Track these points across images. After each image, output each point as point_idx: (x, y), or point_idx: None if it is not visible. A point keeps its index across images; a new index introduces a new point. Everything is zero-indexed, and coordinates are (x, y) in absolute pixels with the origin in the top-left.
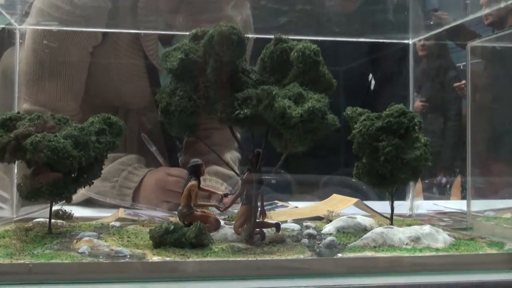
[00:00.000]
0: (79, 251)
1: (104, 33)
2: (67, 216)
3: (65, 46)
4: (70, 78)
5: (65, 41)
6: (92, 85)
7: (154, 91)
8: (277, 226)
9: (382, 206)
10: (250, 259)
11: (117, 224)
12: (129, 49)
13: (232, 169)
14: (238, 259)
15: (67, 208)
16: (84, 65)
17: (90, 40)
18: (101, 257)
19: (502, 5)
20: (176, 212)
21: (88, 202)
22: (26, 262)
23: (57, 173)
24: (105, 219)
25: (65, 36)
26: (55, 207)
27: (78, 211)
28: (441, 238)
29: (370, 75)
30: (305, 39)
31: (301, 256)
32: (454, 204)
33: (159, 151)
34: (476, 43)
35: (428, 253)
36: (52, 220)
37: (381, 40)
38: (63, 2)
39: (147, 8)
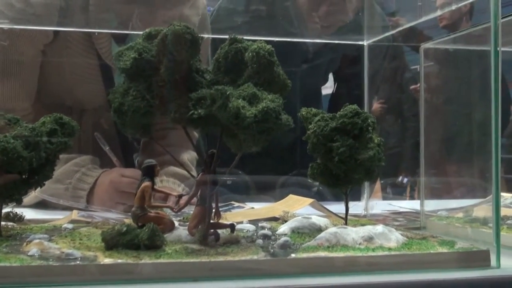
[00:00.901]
0: (28, 253)
1: (56, 31)
2: (18, 219)
3: (15, 45)
4: (21, 77)
5: (16, 39)
6: (45, 84)
7: (108, 91)
8: (231, 227)
9: (338, 207)
10: (203, 260)
11: (70, 226)
12: (81, 47)
13: (187, 171)
14: (191, 260)
15: (19, 210)
16: (36, 64)
17: (41, 38)
18: (51, 260)
19: (454, 7)
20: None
21: (40, 205)
22: None
23: (12, 175)
24: (58, 221)
25: (16, 34)
26: (6, 209)
27: (30, 214)
28: (394, 238)
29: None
30: (260, 40)
31: (255, 257)
32: (409, 204)
33: (113, 152)
34: (429, 45)
35: (381, 253)
36: (2, 223)
37: (336, 41)
38: (16, 0)
39: (99, 5)
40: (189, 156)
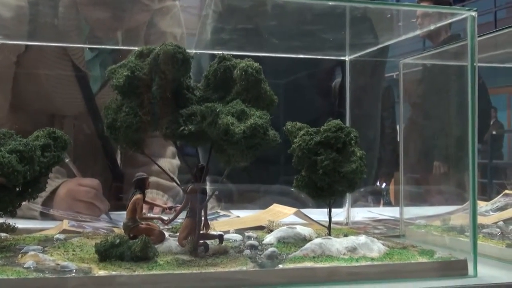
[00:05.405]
0: (24, 266)
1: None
2: (11, 229)
3: None
4: None
5: None
6: (23, 93)
7: (86, 97)
8: (220, 238)
9: (320, 214)
10: (194, 271)
11: (62, 236)
12: (55, 55)
13: (175, 180)
14: (183, 271)
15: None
16: (8, 75)
17: (13, 49)
18: (47, 272)
19: (432, 27)
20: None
21: None
22: None
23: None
24: (49, 231)
25: None
26: None
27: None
28: (376, 248)
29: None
30: (247, 56)
31: (244, 268)
32: (387, 211)
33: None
34: (408, 60)
35: (364, 263)
36: None
37: (320, 57)
38: None
39: (67, 14)
40: (169, 165)
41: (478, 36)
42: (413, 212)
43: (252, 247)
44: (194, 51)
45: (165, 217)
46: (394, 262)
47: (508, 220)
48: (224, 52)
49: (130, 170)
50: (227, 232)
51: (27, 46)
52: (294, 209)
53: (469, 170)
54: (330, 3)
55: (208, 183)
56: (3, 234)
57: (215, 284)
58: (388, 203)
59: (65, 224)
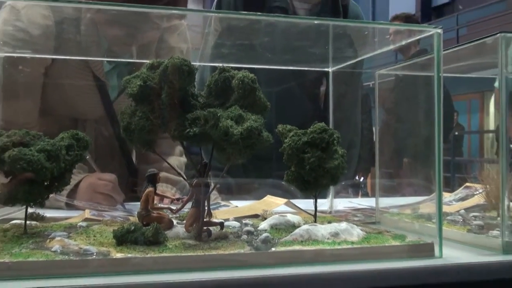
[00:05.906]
0: (52, 249)
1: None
2: (40, 218)
3: (21, 69)
4: (26, 97)
5: (21, 64)
6: (49, 100)
7: (105, 103)
8: (221, 225)
9: (307, 204)
10: (199, 254)
11: (84, 224)
12: (77, 67)
13: (182, 176)
14: (189, 254)
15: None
16: (38, 85)
17: (41, 62)
18: (71, 255)
19: (404, 42)
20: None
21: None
22: (6, 261)
23: (29, 174)
24: (73, 219)
25: (21, 60)
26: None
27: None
28: (355, 233)
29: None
30: (244, 68)
31: (241, 251)
32: (365, 201)
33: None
34: (383, 71)
35: (345, 246)
36: (27, 222)
37: (306, 68)
38: (16, 30)
39: (89, 32)
40: (177, 162)
41: (443, 50)
42: (387, 202)
43: (249, 232)
44: (198, 63)
45: (174, 207)
46: (371, 245)
47: (469, 209)
48: (224, 65)
49: (143, 166)
50: (227, 220)
51: (53, 59)
52: (284, 200)
53: (435, 166)
54: (316, 22)
55: (210, 178)
56: (33, 222)
57: (217, 264)
58: (365, 195)
59: (87, 213)
